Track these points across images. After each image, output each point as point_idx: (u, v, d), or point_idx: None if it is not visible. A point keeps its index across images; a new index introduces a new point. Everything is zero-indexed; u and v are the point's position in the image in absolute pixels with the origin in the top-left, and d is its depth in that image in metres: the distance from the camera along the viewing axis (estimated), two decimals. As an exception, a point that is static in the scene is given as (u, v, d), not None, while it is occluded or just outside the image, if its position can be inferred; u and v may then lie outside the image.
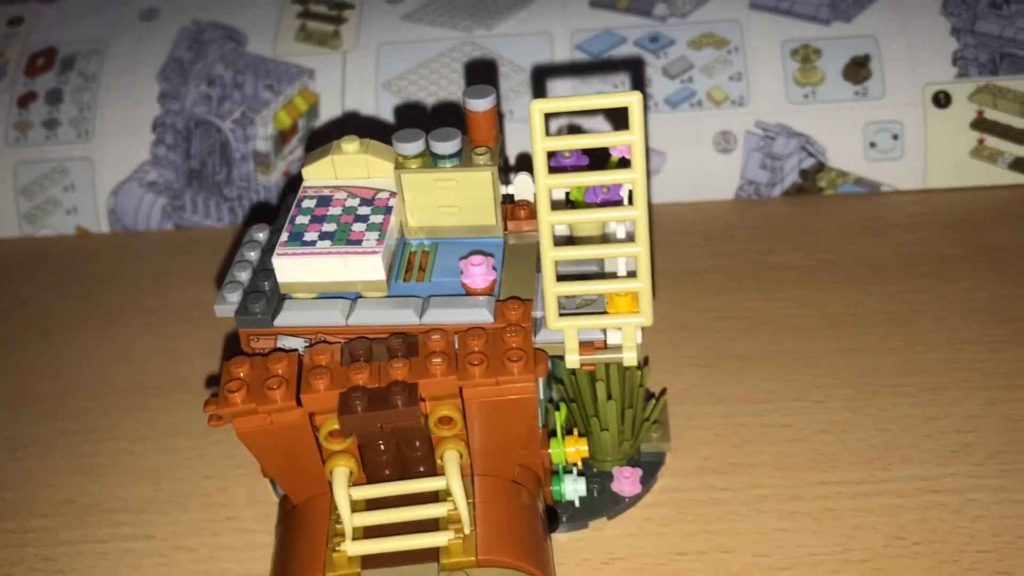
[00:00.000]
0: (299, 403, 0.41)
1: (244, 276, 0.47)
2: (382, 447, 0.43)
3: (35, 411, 0.59)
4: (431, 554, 0.40)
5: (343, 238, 0.44)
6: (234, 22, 0.75)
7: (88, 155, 0.72)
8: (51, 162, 0.72)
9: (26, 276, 0.70)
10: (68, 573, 0.49)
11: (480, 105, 0.47)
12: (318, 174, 0.48)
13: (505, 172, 0.50)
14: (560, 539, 0.48)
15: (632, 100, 0.40)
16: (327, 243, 0.44)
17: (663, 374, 0.57)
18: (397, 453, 0.43)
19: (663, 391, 0.55)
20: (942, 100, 0.68)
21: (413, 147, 0.46)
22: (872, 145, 0.69)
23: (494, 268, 0.45)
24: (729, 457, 0.52)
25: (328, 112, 0.71)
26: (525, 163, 0.69)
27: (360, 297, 0.45)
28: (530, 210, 0.49)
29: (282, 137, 0.71)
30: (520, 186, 0.51)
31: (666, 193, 0.70)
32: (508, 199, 0.50)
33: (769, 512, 0.49)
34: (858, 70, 0.69)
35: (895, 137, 0.69)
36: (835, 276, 0.63)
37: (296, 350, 0.43)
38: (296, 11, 0.75)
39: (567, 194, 0.50)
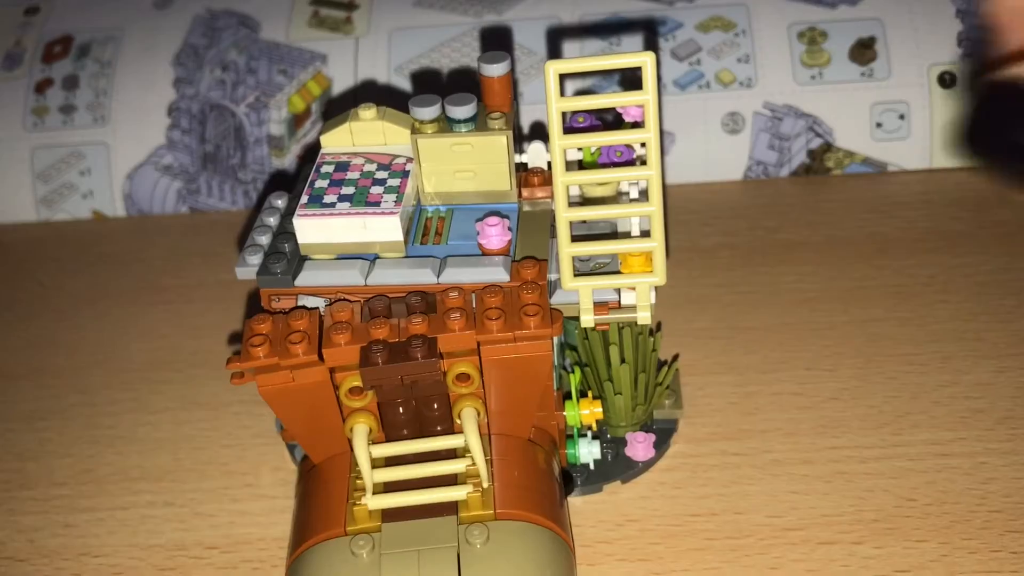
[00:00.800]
0: (321, 358, 0.41)
1: (264, 240, 0.48)
2: (400, 409, 0.44)
3: (53, 385, 0.59)
4: (450, 507, 0.41)
5: (362, 200, 0.45)
6: (247, 9, 0.76)
7: (104, 139, 0.73)
8: (68, 147, 0.73)
9: (43, 258, 0.71)
10: (90, 538, 0.50)
11: (495, 70, 0.48)
12: (336, 141, 0.49)
13: (519, 142, 0.51)
14: (575, 502, 0.49)
15: (645, 59, 0.40)
16: (346, 205, 0.45)
17: (675, 347, 0.57)
18: (415, 413, 0.44)
19: (675, 357, 0.56)
20: (947, 80, 0.69)
21: (429, 112, 0.47)
22: (878, 125, 0.70)
23: (510, 229, 0.46)
24: (741, 424, 0.52)
25: (341, 97, 0.72)
26: (538, 133, 0.70)
27: (378, 258, 0.45)
28: (544, 177, 0.50)
29: (296, 121, 0.72)
30: (534, 154, 0.51)
31: (675, 174, 0.71)
32: (522, 167, 0.51)
33: (781, 476, 0.49)
34: (864, 52, 0.70)
35: (901, 117, 0.69)
36: (843, 251, 0.64)
37: (317, 309, 0.44)
38: (308, -2, 0.76)
39: (580, 161, 0.51)
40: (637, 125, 0.50)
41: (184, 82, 0.73)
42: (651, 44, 0.71)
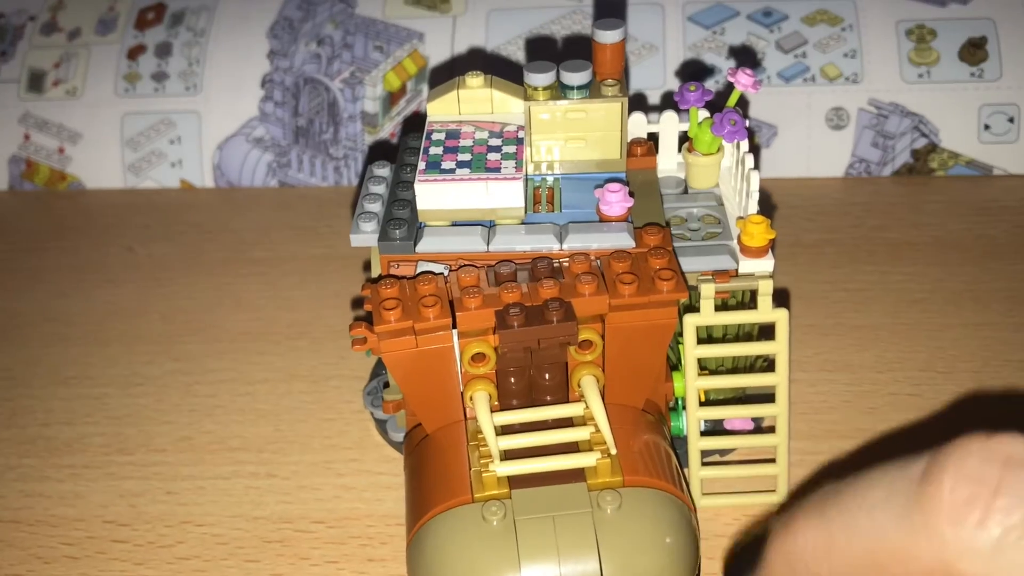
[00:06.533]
0: (454, 322, 0.41)
1: (375, 208, 0.47)
2: (513, 379, 0.43)
3: (148, 351, 0.59)
4: (578, 475, 0.40)
5: (481, 166, 0.45)
6: (343, -16, 0.75)
7: (195, 109, 0.72)
8: (158, 114, 0.73)
9: (132, 225, 0.70)
10: (192, 507, 0.49)
11: (610, 37, 0.47)
12: (442, 109, 0.48)
13: None
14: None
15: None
16: (466, 171, 0.45)
17: (783, 341, 0.56)
18: (529, 383, 0.44)
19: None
20: (1061, 84, 0.67)
21: (544, 78, 0.47)
22: (986, 127, 0.68)
23: (631, 195, 0.45)
24: (858, 423, 0.51)
25: (437, 75, 0.71)
26: (637, 105, 0.68)
27: (495, 225, 0.45)
28: (646, 147, 0.51)
29: (390, 98, 0.71)
30: (634, 125, 0.51)
31: (776, 167, 0.69)
32: None
33: (902, 477, 0.48)
34: (974, 51, 0.68)
35: (1011, 120, 0.68)
36: (951, 253, 0.62)
37: (441, 274, 0.43)
38: (405, -25, 0.75)
39: (684, 132, 0.50)
40: (742, 99, 0.50)
41: (278, 54, 0.72)
42: (755, 34, 0.70)
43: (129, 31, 0.75)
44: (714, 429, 0.49)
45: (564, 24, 0.71)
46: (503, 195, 0.44)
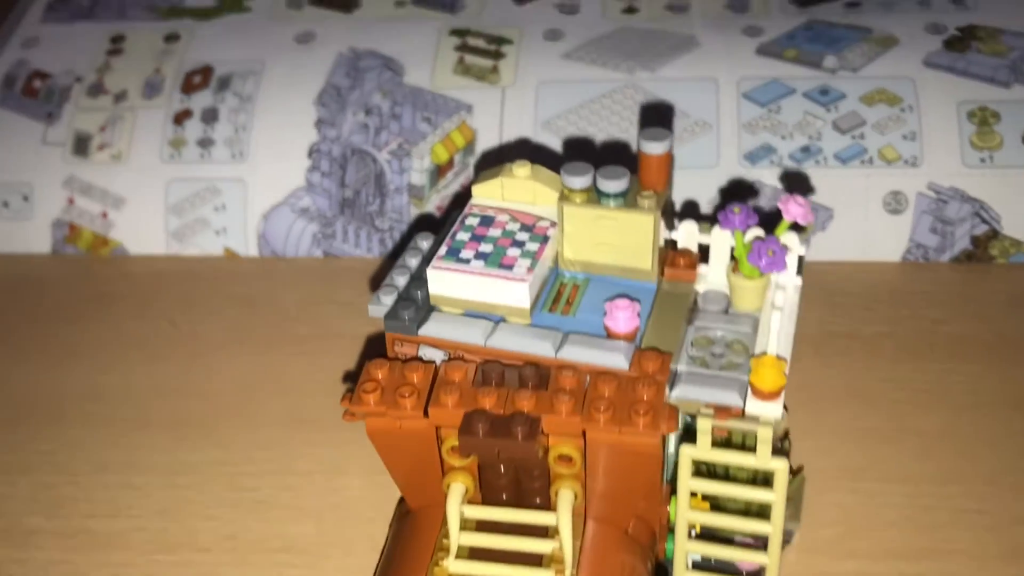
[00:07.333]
0: (426, 414, 0.41)
1: (401, 281, 0.47)
2: (501, 472, 0.43)
3: (191, 437, 0.58)
4: None
5: (496, 261, 0.45)
6: (391, 51, 0.74)
7: (241, 176, 0.72)
8: (203, 181, 0.72)
9: (174, 295, 0.69)
10: (236, 613, 0.48)
11: (654, 148, 0.46)
12: (486, 193, 0.48)
13: (671, 216, 0.49)
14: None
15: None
16: (480, 263, 0.44)
17: (840, 444, 0.54)
18: (515, 480, 0.43)
19: (800, 469, 0.51)
20: None
21: (580, 181, 0.46)
22: (1050, 215, 0.66)
23: (639, 315, 0.44)
24: (919, 541, 0.49)
25: (487, 159, 0.70)
26: (690, 211, 0.67)
27: (503, 321, 0.45)
28: (691, 260, 0.49)
29: (438, 171, 0.70)
30: (684, 234, 0.49)
31: (831, 251, 0.68)
32: (671, 244, 0.49)
33: (969, 605, 0.46)
34: (1039, 136, 0.67)
35: (1075, 208, 0.66)
36: (1016, 352, 0.60)
37: (433, 362, 0.43)
38: (454, 44, 0.74)
39: (732, 248, 0.48)
40: (797, 225, 0.48)
41: (326, 123, 0.72)
42: (811, 113, 0.68)
43: (175, 95, 0.74)
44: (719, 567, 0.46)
45: (616, 99, 0.70)
46: (509, 294, 0.44)
